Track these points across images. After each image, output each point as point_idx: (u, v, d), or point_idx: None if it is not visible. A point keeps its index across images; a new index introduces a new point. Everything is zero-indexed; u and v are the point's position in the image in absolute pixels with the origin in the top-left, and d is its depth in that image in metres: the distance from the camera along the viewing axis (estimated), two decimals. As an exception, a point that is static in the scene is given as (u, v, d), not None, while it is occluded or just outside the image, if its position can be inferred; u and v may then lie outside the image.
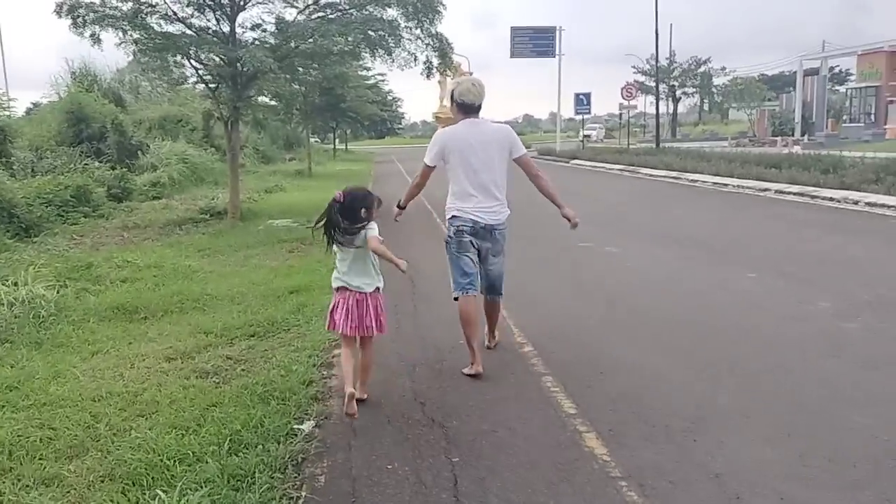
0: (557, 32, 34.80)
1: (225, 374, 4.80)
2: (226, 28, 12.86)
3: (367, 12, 12.68)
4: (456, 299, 4.63)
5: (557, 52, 34.88)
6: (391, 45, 12.99)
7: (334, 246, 4.10)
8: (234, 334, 5.74)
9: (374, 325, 4.04)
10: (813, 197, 13.39)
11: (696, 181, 17.85)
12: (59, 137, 20.10)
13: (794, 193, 14.02)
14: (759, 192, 15.03)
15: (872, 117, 44.23)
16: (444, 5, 12.82)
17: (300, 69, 14.51)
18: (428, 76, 14.44)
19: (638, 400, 4.05)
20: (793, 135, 43.99)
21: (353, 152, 52.33)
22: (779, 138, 40.88)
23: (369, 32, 12.72)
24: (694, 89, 67.66)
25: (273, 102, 20.10)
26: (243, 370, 4.86)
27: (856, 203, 12.33)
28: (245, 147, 30.60)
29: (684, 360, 4.77)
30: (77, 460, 3.57)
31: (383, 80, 38.46)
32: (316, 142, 53.74)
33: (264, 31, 13.01)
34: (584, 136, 51.32)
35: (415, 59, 13.64)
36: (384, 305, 4.18)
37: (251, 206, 15.29)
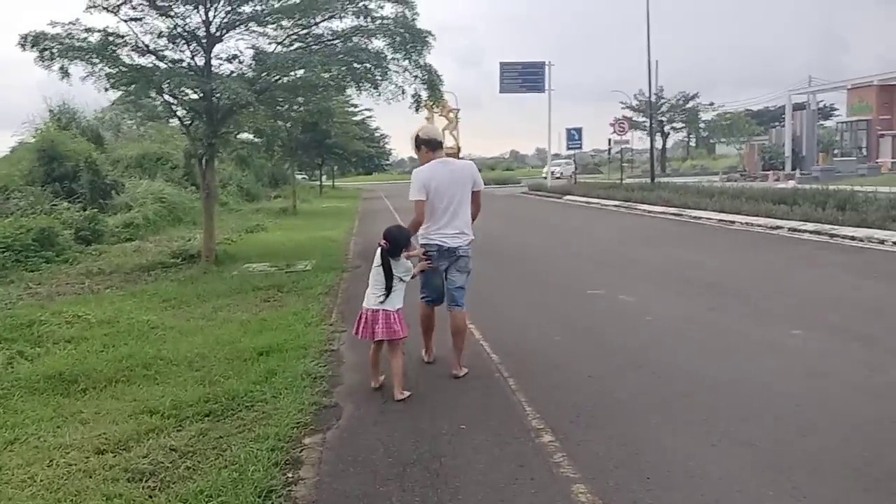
0: (546, 67, 34.32)
1: (164, 475, 3.78)
2: (201, 61, 12.03)
3: (352, 43, 11.88)
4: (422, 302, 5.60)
5: (547, 86, 34.36)
6: (377, 77, 12.20)
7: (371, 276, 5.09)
8: (184, 413, 4.72)
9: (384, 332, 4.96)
10: (832, 236, 12.46)
11: (700, 218, 16.90)
12: (31, 177, 19.10)
13: (811, 232, 13.08)
14: (771, 231, 14.07)
15: (864, 151, 44.04)
16: (433, 36, 12.05)
17: (281, 103, 13.64)
18: (417, 110, 13.61)
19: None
20: (783, 169, 43.67)
21: (341, 189, 51.54)
22: (770, 172, 40.52)
23: (354, 65, 11.94)
24: (682, 125, 67.64)
25: (254, 139, 19.18)
26: (188, 469, 3.84)
27: (882, 242, 11.41)
28: (228, 185, 29.73)
29: (767, 460, 3.70)
30: None
31: (370, 117, 37.78)
32: (304, 178, 52.90)
33: (241, 62, 12.17)
34: (549, 172, 49.73)
35: (403, 93, 12.84)
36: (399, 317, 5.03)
37: (228, 248, 14.29)
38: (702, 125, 67.72)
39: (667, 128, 62.65)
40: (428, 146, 5.47)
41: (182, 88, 11.37)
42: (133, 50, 11.81)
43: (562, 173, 50.98)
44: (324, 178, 46.49)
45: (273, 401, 4.88)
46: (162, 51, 12.13)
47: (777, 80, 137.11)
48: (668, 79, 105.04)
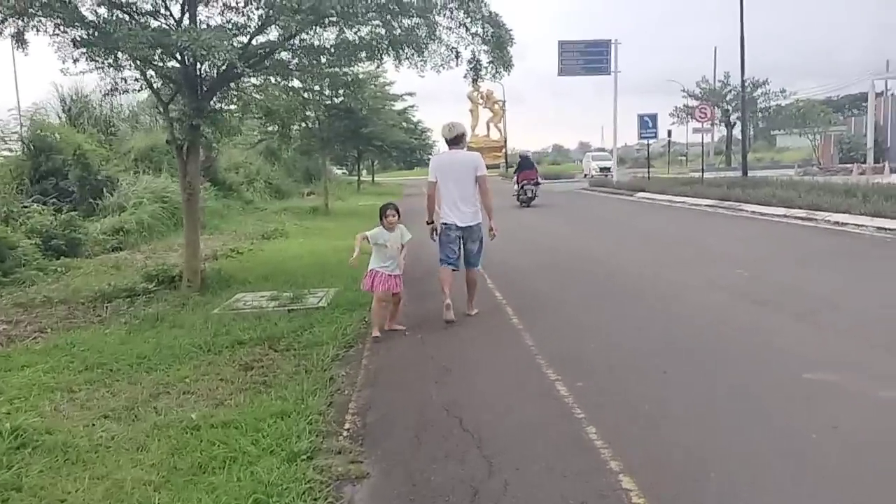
0: (612, 47, 30.27)
1: None
2: (178, 12, 8.74)
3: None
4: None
5: (613, 68, 30.32)
6: (422, 37, 8.81)
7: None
8: None
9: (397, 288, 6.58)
10: None
11: (846, 224, 12.59)
12: (17, 173, 16.16)
13: None
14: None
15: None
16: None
17: (295, 73, 10.19)
18: (475, 80, 10.11)
19: None
20: (864, 161, 39.19)
21: (381, 184, 48.10)
22: (853, 165, 36.10)
23: (391, 21, 8.59)
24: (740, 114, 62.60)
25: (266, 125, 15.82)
26: None
27: None
28: (255, 181, 26.63)
29: None
30: None
31: (413, 105, 34.09)
32: (343, 173, 49.52)
33: (238, 10, 8.81)
34: (601, 168, 43.14)
35: (457, 57, 9.39)
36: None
37: (229, 264, 10.98)
38: (760, 114, 62.60)
39: (732, 117, 58.01)
40: (446, 142, 6.94)
41: (144, 49, 8.01)
42: (98, 3, 8.56)
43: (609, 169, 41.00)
44: (363, 172, 43.11)
45: None
46: (134, 3, 8.88)
47: (832, 70, 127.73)
48: (721, 68, 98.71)
